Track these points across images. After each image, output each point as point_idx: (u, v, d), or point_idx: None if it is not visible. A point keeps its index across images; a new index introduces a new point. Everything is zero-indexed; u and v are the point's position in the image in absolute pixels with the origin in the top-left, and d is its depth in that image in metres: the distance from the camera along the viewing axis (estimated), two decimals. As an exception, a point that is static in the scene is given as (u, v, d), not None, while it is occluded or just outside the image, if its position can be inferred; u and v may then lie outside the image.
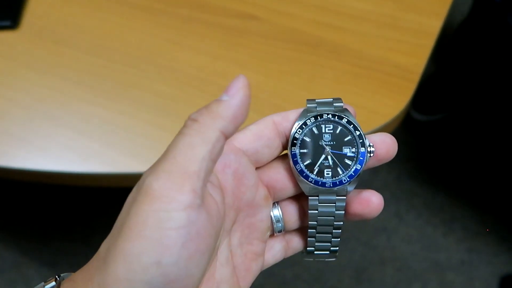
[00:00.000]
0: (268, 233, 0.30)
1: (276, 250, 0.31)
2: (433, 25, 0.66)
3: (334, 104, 0.29)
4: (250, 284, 0.30)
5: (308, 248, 0.31)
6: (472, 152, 1.33)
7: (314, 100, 0.30)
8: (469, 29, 1.19)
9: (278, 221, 0.30)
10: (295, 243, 0.32)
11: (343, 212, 0.29)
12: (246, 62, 0.64)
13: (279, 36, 0.66)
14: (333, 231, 0.30)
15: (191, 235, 0.23)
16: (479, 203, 1.26)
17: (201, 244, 0.23)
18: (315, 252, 0.31)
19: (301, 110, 0.29)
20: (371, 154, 0.28)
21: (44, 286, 0.25)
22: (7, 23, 0.66)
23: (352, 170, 0.28)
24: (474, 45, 1.20)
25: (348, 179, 0.28)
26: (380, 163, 0.30)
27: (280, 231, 0.31)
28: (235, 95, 0.25)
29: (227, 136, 0.25)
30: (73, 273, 0.26)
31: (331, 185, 0.28)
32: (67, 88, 0.62)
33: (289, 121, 0.29)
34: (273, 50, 0.65)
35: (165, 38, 0.66)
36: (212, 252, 0.25)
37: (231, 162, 0.28)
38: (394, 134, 0.31)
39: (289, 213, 0.31)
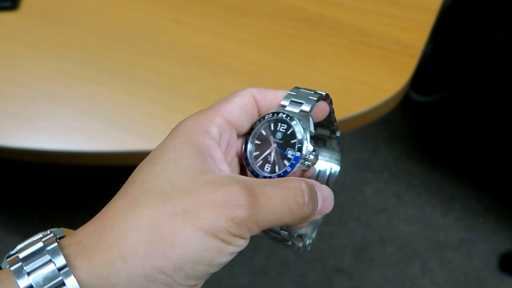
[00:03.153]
0: None
1: None
2: (433, 1, 0.66)
3: (308, 99, 0.30)
4: None
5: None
6: (471, 132, 1.34)
7: (299, 89, 0.30)
8: (464, 6, 1.19)
9: None
10: None
11: None
12: (247, 40, 0.64)
13: (280, 14, 0.66)
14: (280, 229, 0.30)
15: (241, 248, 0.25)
16: (478, 182, 1.27)
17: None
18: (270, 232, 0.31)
19: (277, 92, 0.30)
20: (308, 163, 0.28)
21: (45, 247, 0.23)
22: (7, 4, 0.66)
23: (282, 170, 0.28)
24: (469, 21, 1.20)
25: (276, 177, 0.28)
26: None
27: None
28: None
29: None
30: (72, 232, 0.25)
31: (263, 178, 0.29)
32: (69, 68, 0.62)
33: (266, 101, 0.30)
34: (273, 27, 0.65)
35: (166, 17, 0.66)
36: None
37: (225, 134, 0.28)
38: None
39: None
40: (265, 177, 0.29)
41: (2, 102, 0.60)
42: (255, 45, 0.64)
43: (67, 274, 0.22)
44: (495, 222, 1.22)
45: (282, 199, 0.25)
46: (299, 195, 0.26)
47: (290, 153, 0.28)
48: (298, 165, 0.28)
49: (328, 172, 0.35)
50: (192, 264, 0.23)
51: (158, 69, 0.62)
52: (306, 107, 0.29)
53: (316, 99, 0.29)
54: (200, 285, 0.26)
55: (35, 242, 0.24)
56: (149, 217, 0.23)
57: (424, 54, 0.64)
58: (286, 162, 0.29)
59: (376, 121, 0.61)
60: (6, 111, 0.59)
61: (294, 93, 0.30)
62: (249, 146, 0.29)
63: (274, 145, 0.29)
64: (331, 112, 0.31)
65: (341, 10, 0.66)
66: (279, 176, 0.28)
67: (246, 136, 0.30)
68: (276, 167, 0.29)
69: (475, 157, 1.30)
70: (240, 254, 0.31)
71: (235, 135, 0.29)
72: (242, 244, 0.25)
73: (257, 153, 0.29)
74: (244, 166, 0.30)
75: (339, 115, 0.58)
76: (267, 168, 0.29)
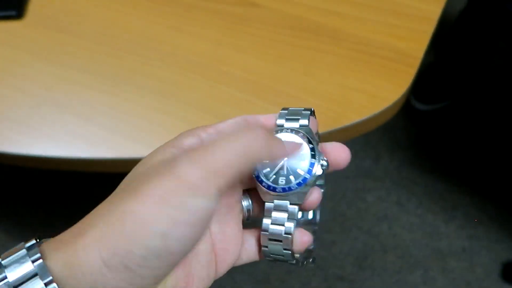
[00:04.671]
0: (241, 215, 0.32)
1: (250, 245, 0.32)
2: (433, 11, 0.67)
3: (301, 114, 0.31)
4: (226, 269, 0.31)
5: (263, 249, 0.32)
6: (473, 140, 1.34)
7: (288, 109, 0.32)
8: (469, 16, 1.20)
9: (246, 200, 0.32)
10: None
11: (292, 227, 0.30)
12: (247, 49, 0.65)
13: (279, 23, 0.67)
14: (283, 250, 0.31)
15: (203, 219, 0.25)
16: (480, 191, 1.27)
17: (204, 226, 0.26)
18: (271, 254, 0.32)
19: (268, 115, 0.32)
20: (324, 167, 0.30)
21: (24, 244, 0.25)
22: (12, 13, 0.67)
23: (301, 178, 0.30)
24: (474, 33, 1.21)
25: (297, 186, 0.30)
26: (331, 170, 0.32)
27: (249, 214, 0.32)
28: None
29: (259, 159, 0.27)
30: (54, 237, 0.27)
31: (281, 190, 0.30)
32: (72, 76, 0.63)
33: (260, 123, 0.32)
34: (273, 36, 0.66)
35: (168, 25, 0.67)
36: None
37: None
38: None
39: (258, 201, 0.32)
40: (283, 189, 0.30)
41: (6, 109, 0.61)
42: (255, 54, 0.64)
43: (40, 265, 0.24)
44: (497, 231, 1.22)
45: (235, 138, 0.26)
46: (254, 132, 0.27)
47: (302, 162, 0.30)
48: (314, 170, 0.30)
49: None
50: (142, 241, 0.24)
51: (159, 77, 0.63)
52: (304, 121, 0.31)
53: (309, 112, 0.31)
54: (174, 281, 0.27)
55: (20, 248, 0.26)
56: (117, 209, 0.25)
57: (427, 63, 0.65)
58: (301, 171, 0.30)
59: (378, 129, 0.62)
60: (9, 118, 0.60)
61: (286, 111, 0.31)
62: (257, 165, 0.30)
63: (284, 159, 0.30)
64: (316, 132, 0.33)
65: (340, 19, 0.67)
66: (299, 184, 0.30)
67: None
68: (292, 178, 0.30)
69: (477, 166, 1.30)
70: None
71: None
72: (205, 205, 0.25)
73: (268, 169, 0.30)
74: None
75: (337, 123, 0.58)
76: (282, 181, 0.30)
